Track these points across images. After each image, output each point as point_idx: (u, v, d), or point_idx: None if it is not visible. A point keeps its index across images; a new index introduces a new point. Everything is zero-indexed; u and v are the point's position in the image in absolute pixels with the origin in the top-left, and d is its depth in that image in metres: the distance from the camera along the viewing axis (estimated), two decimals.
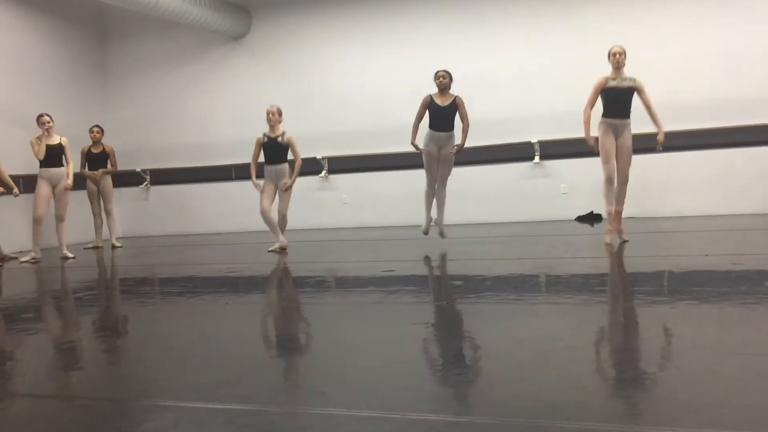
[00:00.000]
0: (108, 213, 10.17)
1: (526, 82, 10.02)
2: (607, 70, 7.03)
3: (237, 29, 11.32)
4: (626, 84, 6.91)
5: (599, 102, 7.04)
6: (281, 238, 8.15)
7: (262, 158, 8.24)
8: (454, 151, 7.50)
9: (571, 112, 9.74)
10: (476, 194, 10.14)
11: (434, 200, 7.78)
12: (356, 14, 10.90)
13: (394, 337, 3.85)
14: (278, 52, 11.40)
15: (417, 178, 10.52)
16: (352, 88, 10.94)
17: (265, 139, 8.14)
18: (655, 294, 4.73)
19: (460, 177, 10.30)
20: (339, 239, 9.50)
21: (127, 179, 11.66)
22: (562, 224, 9.48)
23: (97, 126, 10.22)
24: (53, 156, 8.86)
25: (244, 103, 11.44)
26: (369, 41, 10.85)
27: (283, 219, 8.31)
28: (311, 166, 10.86)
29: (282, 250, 8.08)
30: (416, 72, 10.46)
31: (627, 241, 7.06)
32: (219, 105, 11.69)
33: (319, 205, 11.03)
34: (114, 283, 7.28)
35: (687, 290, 4.76)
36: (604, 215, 7.40)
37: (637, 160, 9.47)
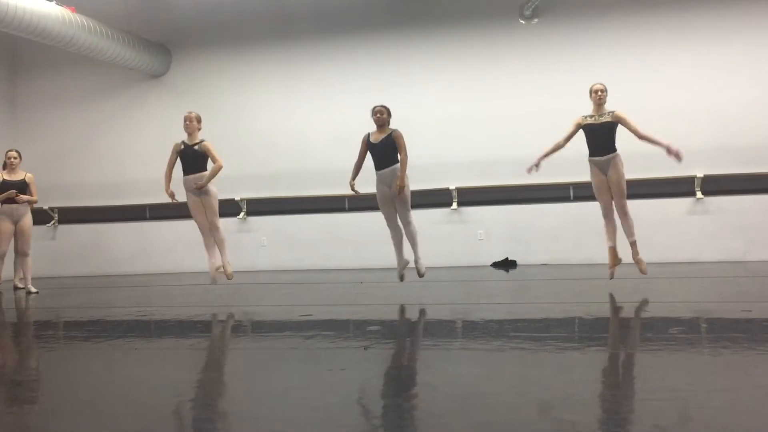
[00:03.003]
0: (24, 254, 8.93)
1: (445, 129, 10.26)
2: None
3: (156, 67, 11.17)
4: (603, 119, 6.87)
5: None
6: (216, 261, 7.54)
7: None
8: (396, 190, 6.95)
9: (489, 160, 10.09)
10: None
11: (403, 241, 7.25)
12: (278, 56, 10.96)
13: (310, 382, 3.79)
14: (198, 91, 11.29)
15: (337, 221, 10.58)
16: (273, 129, 10.93)
17: (182, 146, 7.58)
18: (566, 340, 4.84)
19: (378, 221, 10.41)
20: (256, 282, 9.35)
21: (32, 217, 11.15)
22: (478, 270, 9.64)
23: (15, 150, 9.07)
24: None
25: (162, 141, 11.18)
26: (290, 83, 10.90)
27: (216, 231, 7.53)
28: (230, 208, 10.71)
29: (218, 269, 7.55)
30: (338, 115, 10.59)
31: (645, 272, 7.08)
32: (136, 143, 11.43)
33: (237, 247, 10.81)
34: (15, 328, 6.90)
35: (596, 337, 4.90)
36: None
37: (552, 208, 9.86)
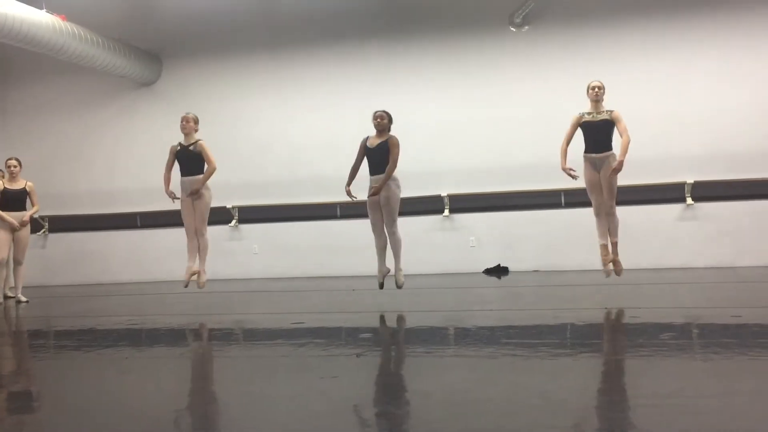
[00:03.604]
0: (19, 263, 8.92)
1: (437, 136, 10.29)
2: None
3: (147, 75, 11.16)
4: (601, 117, 6.86)
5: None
6: (195, 265, 7.42)
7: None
8: (375, 194, 6.84)
9: (481, 167, 10.12)
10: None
11: (386, 249, 7.15)
12: (269, 64, 10.97)
13: (302, 390, 3.79)
14: (189, 99, 11.26)
15: (329, 228, 10.57)
16: (265, 137, 10.93)
17: (179, 147, 7.49)
18: (558, 346, 4.85)
19: (368, 230, 10.41)
20: (248, 290, 9.33)
21: None
22: (470, 276, 9.66)
23: (15, 159, 8.93)
24: (15, 200, 8.76)
25: (152, 149, 11.19)
26: (282, 91, 10.91)
27: (201, 238, 7.41)
28: (221, 216, 10.69)
29: (193, 275, 7.41)
30: (330, 123, 10.61)
31: (619, 273, 7.06)
32: (127, 151, 11.42)
33: (229, 254, 10.83)
34: (5, 337, 6.85)
35: (587, 343, 4.91)
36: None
37: (543, 215, 9.90)
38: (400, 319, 6.38)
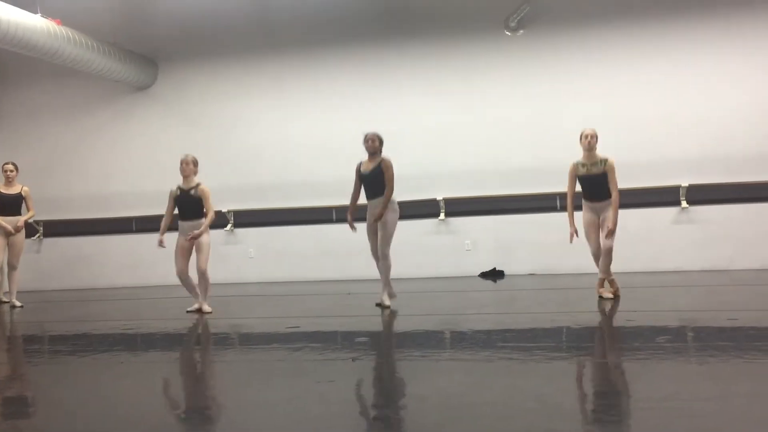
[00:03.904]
0: (13, 268, 8.91)
1: (432, 140, 10.29)
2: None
3: (143, 79, 11.15)
4: (596, 170, 6.86)
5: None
6: (202, 300, 7.46)
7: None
8: (377, 220, 6.92)
9: (476, 170, 10.13)
10: None
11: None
12: (264, 68, 10.97)
13: (298, 395, 3.78)
14: (185, 103, 11.29)
15: (325, 232, 10.56)
16: (260, 141, 10.92)
17: (178, 192, 7.43)
18: (554, 350, 4.85)
19: (363, 234, 10.40)
20: (244, 294, 9.31)
21: None
22: (466, 280, 9.65)
23: (11, 163, 8.94)
24: (10, 205, 8.77)
25: (148, 153, 11.22)
26: (277, 95, 10.91)
27: (202, 277, 7.40)
28: (217, 220, 10.63)
29: (200, 311, 7.41)
30: (325, 126, 10.62)
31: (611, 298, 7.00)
32: (122, 155, 11.40)
33: (224, 259, 10.81)
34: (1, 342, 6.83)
35: (583, 346, 4.92)
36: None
37: (538, 218, 9.90)
38: (396, 322, 6.37)
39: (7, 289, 9.03)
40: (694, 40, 9.64)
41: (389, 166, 6.96)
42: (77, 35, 9.52)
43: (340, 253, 10.33)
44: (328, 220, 10.53)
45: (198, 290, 7.52)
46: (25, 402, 4.17)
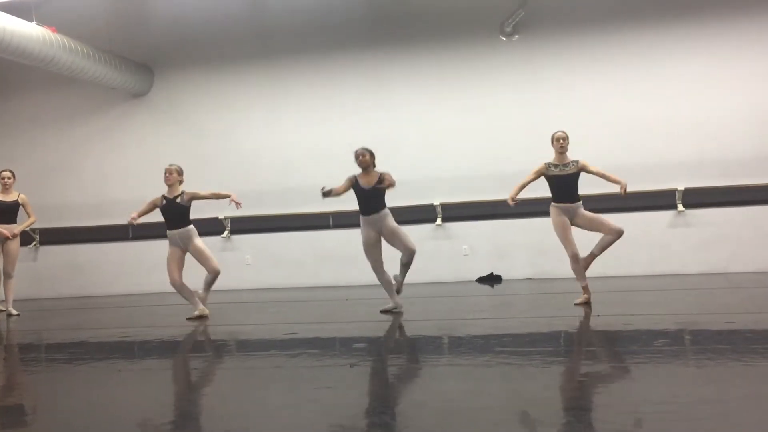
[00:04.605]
0: (9, 276, 8.83)
1: (428, 145, 10.29)
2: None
3: (138, 87, 11.14)
4: (569, 171, 6.85)
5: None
6: (200, 305, 7.43)
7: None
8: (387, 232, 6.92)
9: (473, 175, 10.13)
10: None
11: (392, 281, 7.12)
12: (260, 75, 10.96)
13: (295, 401, 3.77)
14: (181, 110, 11.28)
15: (321, 238, 10.56)
16: (256, 147, 10.91)
17: (164, 201, 7.39)
18: (552, 354, 4.85)
19: (359, 239, 10.39)
20: (240, 301, 9.30)
21: None
22: (463, 285, 9.65)
23: (9, 170, 8.87)
24: (7, 212, 8.75)
25: (144, 161, 11.19)
26: (273, 101, 10.90)
27: (216, 276, 7.49)
28: (213, 227, 10.67)
29: (201, 318, 7.36)
30: (321, 132, 10.61)
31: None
32: (118, 163, 11.37)
33: (221, 265, 10.74)
34: None
35: (582, 350, 4.92)
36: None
37: (536, 223, 9.91)
38: (394, 328, 6.37)
39: (3, 298, 9.00)
40: (690, 43, 9.66)
41: (390, 177, 6.89)
42: (73, 43, 9.52)
43: (337, 258, 10.32)
44: (325, 226, 10.52)
45: (197, 295, 7.50)
46: (23, 411, 4.15)
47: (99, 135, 11.51)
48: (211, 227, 10.49)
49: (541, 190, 9.29)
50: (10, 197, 8.82)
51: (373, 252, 7.03)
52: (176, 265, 7.39)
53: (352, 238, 10.24)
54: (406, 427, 3.20)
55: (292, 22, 10.76)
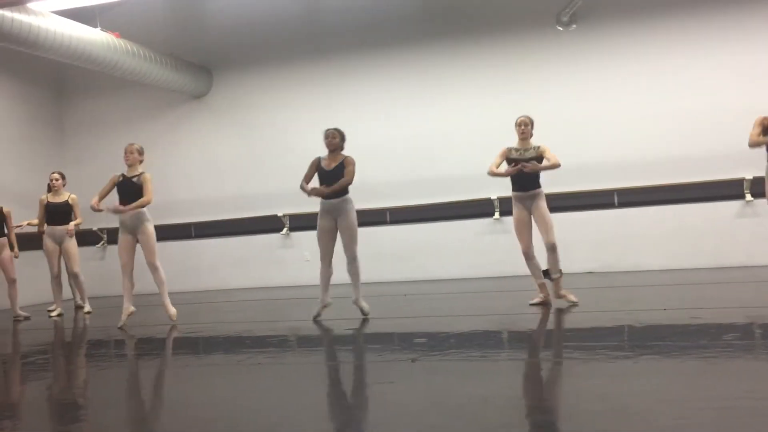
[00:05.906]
0: (75, 276, 9.13)
1: (484, 139, 10.16)
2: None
3: (198, 88, 11.38)
4: (528, 155, 6.66)
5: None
6: (168, 305, 7.43)
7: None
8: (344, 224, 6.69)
9: None
10: (436, 250, 10.21)
11: (330, 281, 6.99)
12: (312, 74, 11.04)
13: (357, 397, 3.79)
14: (238, 110, 11.47)
15: (376, 234, 10.58)
16: (312, 146, 10.88)
17: (121, 178, 7.27)
18: (617, 349, 4.76)
19: (421, 234, 10.39)
20: (301, 297, 9.39)
21: (82, 238, 11.42)
22: (521, 280, 9.52)
23: (58, 172, 9.12)
24: (59, 214, 8.93)
25: (204, 161, 11.45)
26: (328, 99, 10.97)
27: (155, 271, 7.40)
28: (272, 224, 10.84)
29: (130, 315, 7.34)
30: (376, 129, 10.63)
31: (575, 303, 6.69)
32: (178, 163, 11.64)
33: (280, 263, 10.95)
34: (70, 346, 7.05)
35: (648, 345, 4.80)
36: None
37: (595, 215, 9.75)
38: (454, 323, 6.33)
39: (71, 297, 9.30)
40: (758, 29, 9.34)
41: (353, 162, 6.68)
42: (135, 47, 9.78)
43: (394, 254, 10.35)
44: (382, 222, 10.55)
45: (132, 294, 7.39)
46: (92, 405, 4.29)
47: (160, 136, 11.80)
48: (270, 225, 10.68)
49: (601, 183, 9.12)
50: (61, 198, 8.98)
51: (326, 240, 6.75)
52: (127, 250, 7.33)
53: (410, 235, 10.34)
54: (472, 424, 3.18)
55: (345, 21, 10.83)
